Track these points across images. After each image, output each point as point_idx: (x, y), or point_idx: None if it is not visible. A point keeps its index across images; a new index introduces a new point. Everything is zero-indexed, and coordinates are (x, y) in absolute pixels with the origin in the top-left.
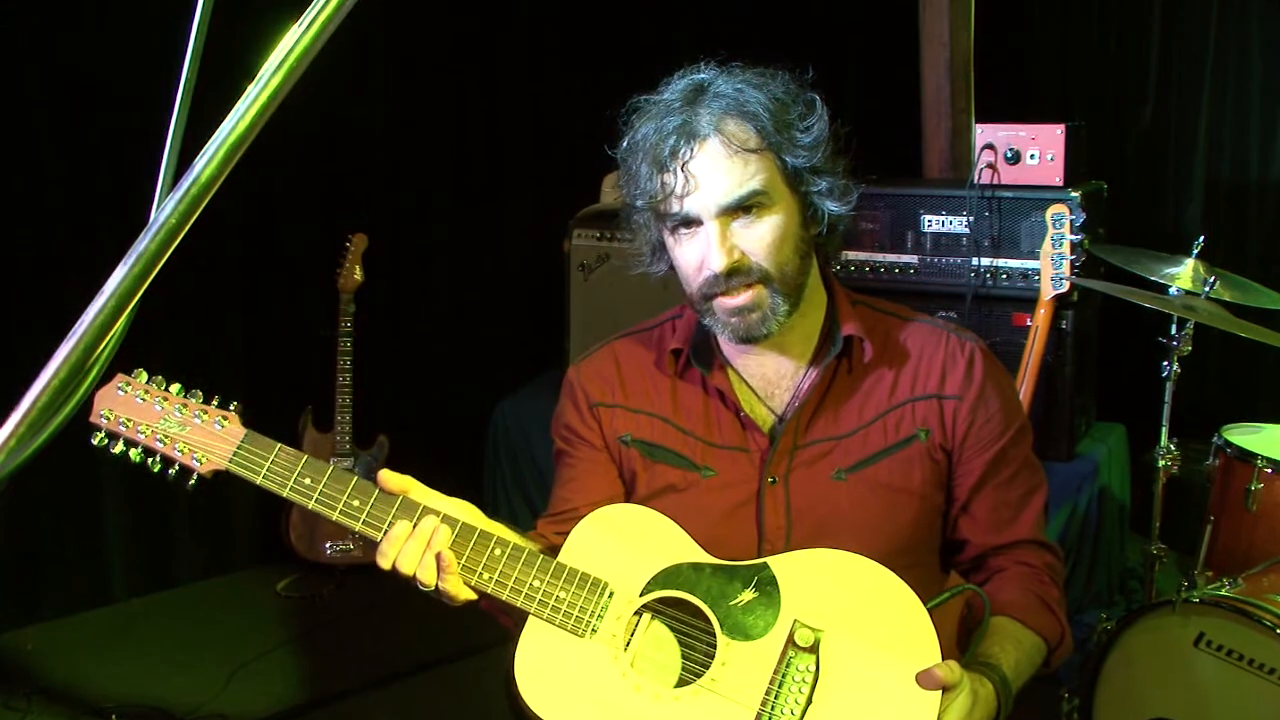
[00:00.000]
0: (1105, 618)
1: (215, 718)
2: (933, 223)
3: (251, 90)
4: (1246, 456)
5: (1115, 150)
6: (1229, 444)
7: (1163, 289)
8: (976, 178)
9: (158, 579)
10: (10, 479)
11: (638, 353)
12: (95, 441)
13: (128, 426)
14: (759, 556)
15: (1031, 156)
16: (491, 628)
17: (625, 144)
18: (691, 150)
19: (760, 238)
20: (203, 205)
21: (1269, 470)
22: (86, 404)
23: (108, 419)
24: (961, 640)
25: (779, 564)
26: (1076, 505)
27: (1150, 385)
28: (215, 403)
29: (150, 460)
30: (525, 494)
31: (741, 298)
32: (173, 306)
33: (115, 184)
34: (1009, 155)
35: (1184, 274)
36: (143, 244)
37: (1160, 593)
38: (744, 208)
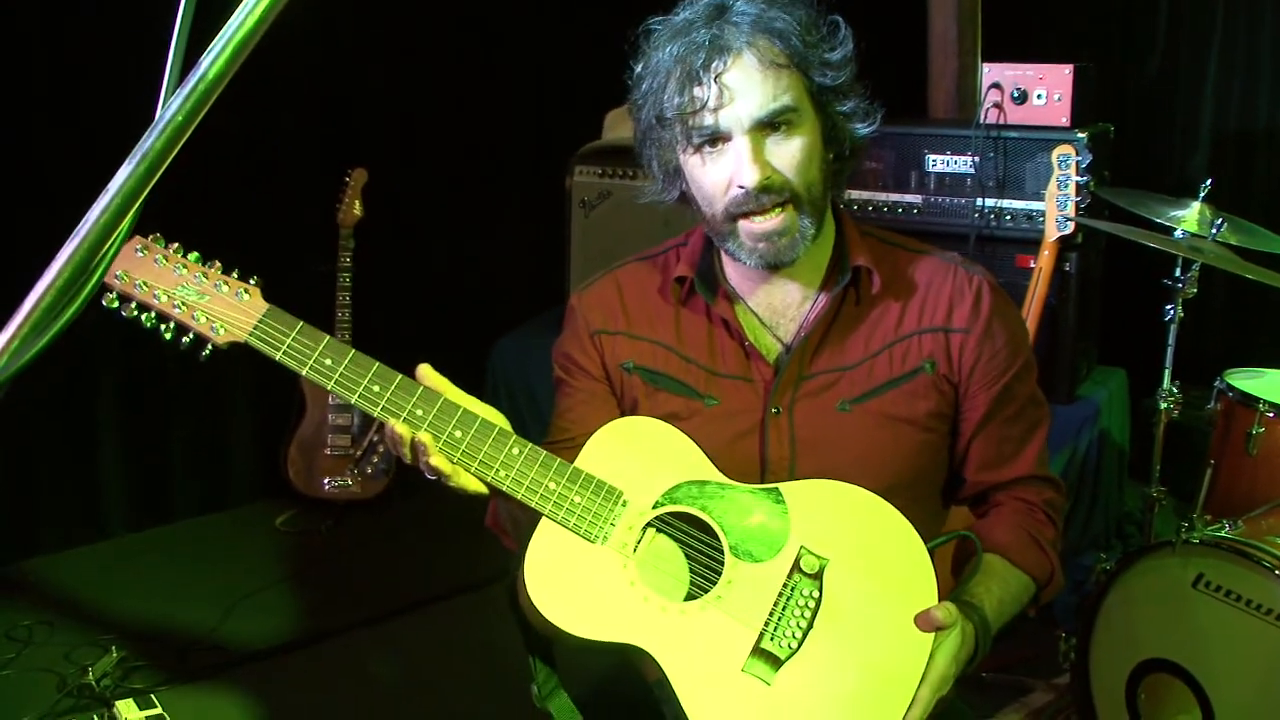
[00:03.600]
0: (1104, 558)
1: (214, 651)
2: (937, 162)
3: None
4: (1248, 400)
5: (1123, 93)
6: (1231, 388)
7: (1168, 232)
8: (982, 117)
9: (156, 514)
10: (11, 383)
11: (641, 279)
12: (105, 303)
13: (144, 290)
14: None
15: (1039, 97)
16: (489, 563)
17: (642, 65)
18: (725, 63)
19: (791, 155)
20: (209, 104)
21: (1271, 414)
22: (94, 301)
23: (122, 280)
24: (955, 576)
25: (789, 490)
26: (1076, 448)
27: (1151, 332)
28: (235, 274)
29: (164, 327)
30: (524, 431)
31: (772, 221)
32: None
33: (121, 82)
34: (1016, 95)
35: (1190, 217)
36: (148, 142)
37: (1158, 535)
38: (774, 124)
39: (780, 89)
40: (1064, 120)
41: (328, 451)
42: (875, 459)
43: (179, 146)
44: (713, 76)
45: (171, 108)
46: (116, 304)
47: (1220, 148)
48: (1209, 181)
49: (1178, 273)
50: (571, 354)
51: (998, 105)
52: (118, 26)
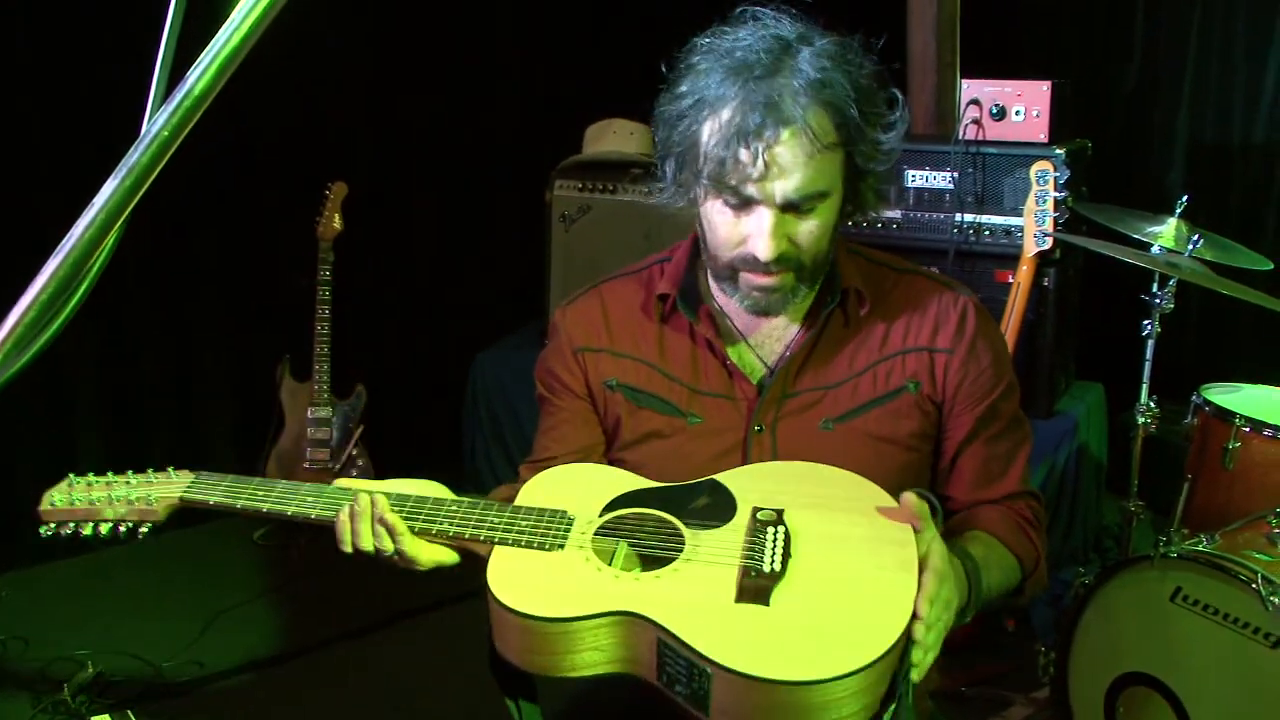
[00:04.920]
0: (1083, 573)
1: (192, 666)
2: (916, 178)
3: (246, 0)
4: (1225, 415)
5: (1100, 109)
6: (1208, 402)
7: (1145, 247)
8: (961, 133)
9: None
10: None
11: (625, 296)
12: (43, 533)
13: (80, 503)
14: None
15: (1017, 113)
16: (468, 577)
17: (688, 84)
18: (778, 135)
19: (810, 232)
20: (195, 118)
21: (1247, 429)
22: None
23: (59, 503)
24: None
25: (726, 476)
26: (1055, 463)
27: (1128, 347)
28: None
29: (103, 528)
30: (504, 445)
31: (772, 279)
32: (150, 255)
33: (108, 96)
34: (994, 111)
35: (1166, 233)
36: (134, 157)
37: (1136, 549)
38: (802, 204)
39: (821, 173)
40: (1042, 136)
41: (306, 465)
42: None
43: (164, 161)
44: (763, 145)
45: (157, 123)
46: (53, 531)
47: (1197, 163)
48: (1185, 197)
49: (1155, 288)
50: (555, 371)
51: (976, 121)
52: (107, 40)
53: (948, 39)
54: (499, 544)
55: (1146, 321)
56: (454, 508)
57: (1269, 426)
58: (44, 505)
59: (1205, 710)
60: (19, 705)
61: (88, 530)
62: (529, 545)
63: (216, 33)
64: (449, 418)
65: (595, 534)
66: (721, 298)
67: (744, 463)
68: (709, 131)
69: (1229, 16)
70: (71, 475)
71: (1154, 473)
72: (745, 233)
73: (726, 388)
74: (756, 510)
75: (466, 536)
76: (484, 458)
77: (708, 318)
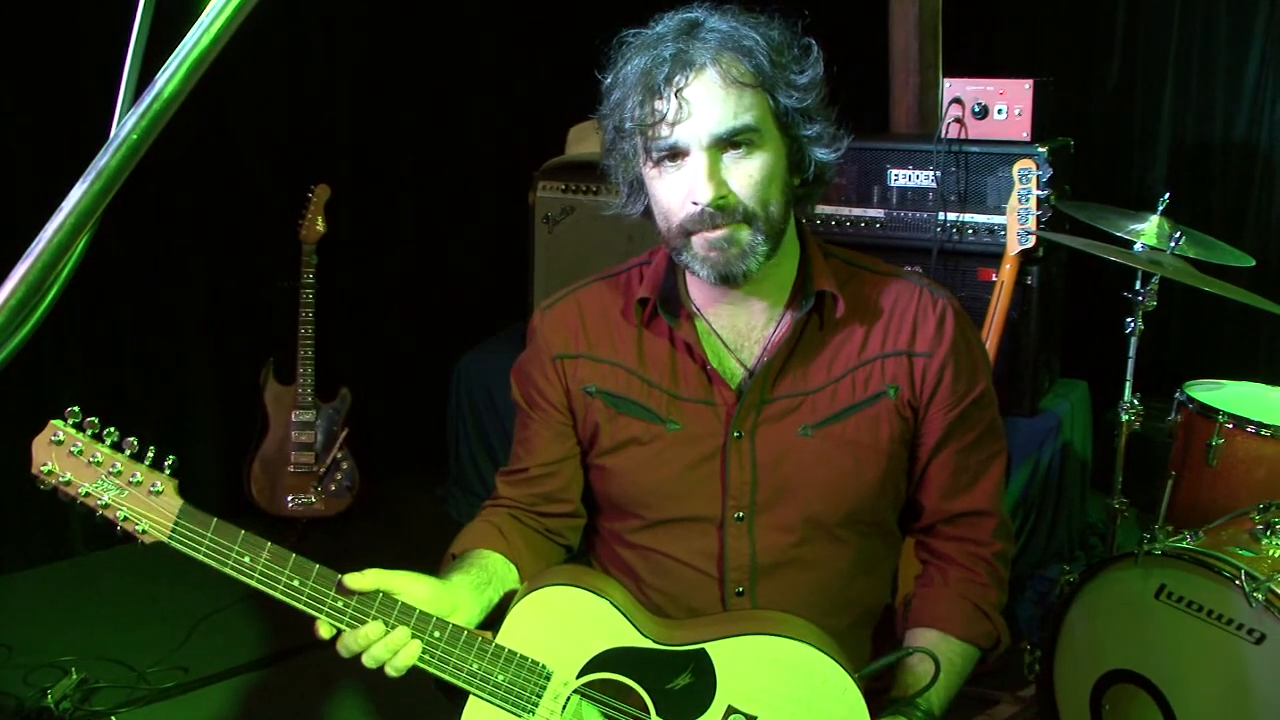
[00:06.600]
0: (1068, 570)
1: (177, 671)
2: (899, 177)
3: (216, 3)
4: (1208, 412)
5: (1082, 107)
6: (1191, 399)
7: (1128, 245)
8: (944, 132)
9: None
10: None
11: (603, 300)
12: (41, 487)
13: (69, 486)
14: (723, 512)
15: (999, 111)
16: None
17: (612, 77)
18: (687, 78)
19: (748, 174)
20: (165, 121)
21: (1230, 426)
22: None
23: (48, 474)
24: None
25: (717, 650)
26: (1039, 461)
27: (1112, 345)
28: (149, 458)
29: (95, 517)
30: (488, 447)
31: (721, 231)
32: (134, 258)
33: (74, 99)
34: (976, 110)
35: (1149, 230)
36: (103, 160)
37: (1121, 547)
38: (734, 142)
39: (742, 108)
40: (1024, 135)
41: (291, 469)
42: (837, 483)
43: (134, 164)
44: (673, 90)
45: (126, 126)
46: (53, 490)
47: (1178, 161)
48: (1167, 195)
49: (1138, 285)
50: (533, 378)
51: (959, 120)
52: (76, 43)
53: (930, 38)
54: (474, 694)
55: (1129, 319)
56: (437, 636)
57: (1252, 423)
58: (34, 468)
59: (1190, 706)
60: (2, 712)
61: (81, 510)
62: (503, 703)
63: (185, 35)
64: (433, 419)
65: (570, 695)
66: (700, 297)
67: (723, 470)
68: (629, 105)
69: (1210, 14)
70: (53, 424)
71: (1138, 470)
72: (685, 189)
73: (706, 393)
74: (730, 715)
75: (445, 677)
76: (469, 459)
77: (688, 321)
